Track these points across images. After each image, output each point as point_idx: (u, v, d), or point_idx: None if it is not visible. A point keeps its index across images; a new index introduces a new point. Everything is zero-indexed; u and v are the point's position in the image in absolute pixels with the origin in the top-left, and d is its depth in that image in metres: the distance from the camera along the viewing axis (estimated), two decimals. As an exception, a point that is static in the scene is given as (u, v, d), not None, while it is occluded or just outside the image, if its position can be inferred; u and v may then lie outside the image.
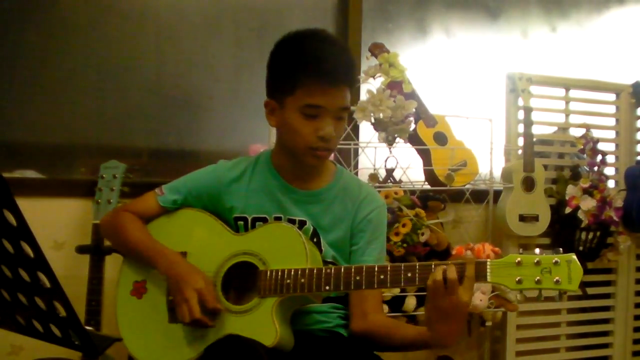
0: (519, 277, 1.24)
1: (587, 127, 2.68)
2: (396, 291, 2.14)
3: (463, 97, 2.75)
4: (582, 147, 2.64)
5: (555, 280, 1.23)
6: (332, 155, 2.29)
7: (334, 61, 1.42)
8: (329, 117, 1.43)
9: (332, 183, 1.57)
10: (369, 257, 1.52)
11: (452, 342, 1.31)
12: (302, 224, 1.51)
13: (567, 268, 1.23)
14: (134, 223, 1.55)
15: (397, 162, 2.30)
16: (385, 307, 2.09)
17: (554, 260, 1.24)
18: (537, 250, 1.27)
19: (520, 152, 2.55)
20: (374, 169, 2.30)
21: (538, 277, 1.23)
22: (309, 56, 1.42)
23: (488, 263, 1.27)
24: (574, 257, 1.24)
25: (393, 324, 1.52)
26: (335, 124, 1.44)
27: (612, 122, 2.85)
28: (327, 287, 1.36)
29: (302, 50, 1.44)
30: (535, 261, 1.24)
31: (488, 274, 1.27)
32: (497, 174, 2.55)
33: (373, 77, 2.26)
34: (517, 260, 1.25)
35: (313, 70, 1.40)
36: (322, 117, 1.42)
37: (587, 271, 2.63)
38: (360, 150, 2.36)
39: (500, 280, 1.26)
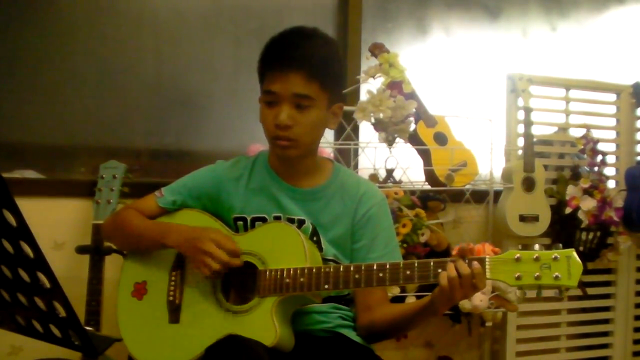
0: (518, 273, 1.24)
1: (588, 127, 2.68)
2: (396, 291, 2.14)
3: (463, 97, 2.75)
4: (582, 147, 2.64)
5: (554, 275, 1.22)
6: (332, 154, 2.31)
7: (289, 48, 1.44)
8: (285, 104, 1.43)
9: (330, 180, 1.57)
10: (374, 254, 1.51)
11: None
12: (301, 223, 1.51)
13: (567, 263, 1.23)
14: (137, 215, 1.57)
15: (397, 162, 2.30)
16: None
17: (553, 256, 1.23)
18: (536, 247, 1.26)
19: (520, 152, 2.54)
20: (374, 169, 2.31)
21: (537, 273, 1.23)
22: (271, 45, 1.47)
23: (487, 259, 1.27)
24: (574, 252, 1.23)
25: (396, 310, 1.52)
26: (295, 112, 1.44)
27: (612, 122, 2.84)
28: (327, 286, 1.36)
29: (270, 42, 1.48)
30: (535, 257, 1.24)
31: (487, 270, 1.27)
32: (497, 174, 2.55)
33: (373, 77, 2.26)
34: (516, 257, 1.25)
35: (269, 57, 1.46)
36: (278, 105, 1.44)
37: (587, 271, 2.63)
38: (360, 150, 2.36)
39: (499, 277, 1.26)
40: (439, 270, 1.29)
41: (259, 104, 1.51)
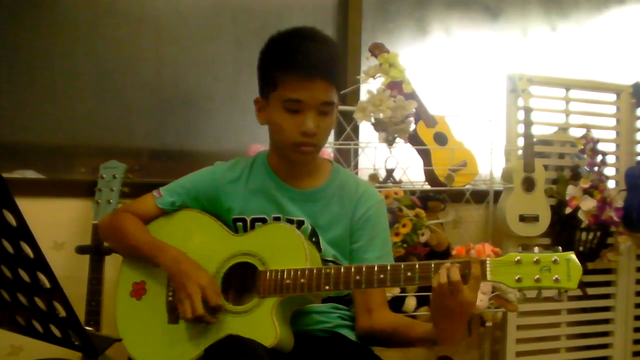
0: (518, 276, 1.25)
1: (588, 127, 2.68)
2: (396, 291, 2.14)
3: (463, 97, 2.75)
4: (582, 147, 2.64)
5: (554, 278, 1.23)
6: (332, 154, 2.31)
7: (310, 54, 1.42)
8: (311, 111, 1.43)
9: (329, 181, 1.57)
10: (371, 255, 1.51)
11: (457, 339, 1.31)
12: (300, 223, 1.52)
13: (567, 266, 1.23)
14: (134, 222, 1.56)
15: (397, 162, 2.30)
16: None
17: (553, 259, 1.24)
18: (535, 249, 1.27)
19: (520, 152, 2.55)
20: (374, 169, 2.31)
21: (537, 276, 1.24)
22: (287, 50, 1.44)
23: (488, 262, 1.27)
24: (573, 255, 1.24)
25: (399, 322, 1.51)
26: (318, 119, 1.44)
27: (612, 122, 2.85)
28: (327, 287, 1.36)
29: (281, 45, 1.46)
30: (535, 260, 1.25)
31: (488, 272, 1.27)
32: (497, 174, 2.55)
33: (373, 77, 2.26)
34: (516, 259, 1.26)
35: (289, 64, 1.42)
36: (303, 112, 1.43)
37: (587, 271, 2.63)
38: (360, 150, 2.36)
39: (500, 279, 1.26)
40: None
41: (254, 105, 1.52)
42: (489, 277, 1.27)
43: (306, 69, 1.41)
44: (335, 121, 1.52)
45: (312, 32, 1.48)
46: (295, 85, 1.42)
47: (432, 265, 1.30)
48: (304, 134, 1.43)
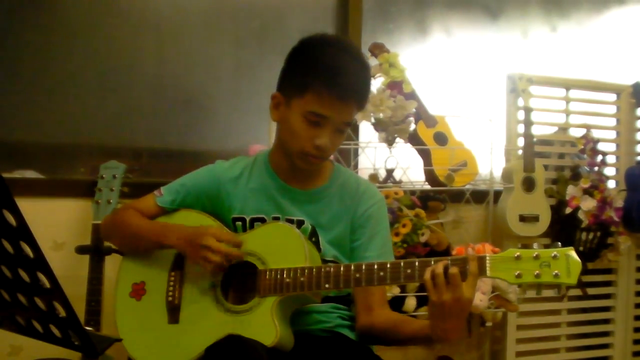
0: (518, 272, 1.25)
1: (588, 127, 2.68)
2: (396, 291, 2.14)
3: (463, 97, 2.75)
4: (582, 147, 2.64)
5: (554, 273, 1.23)
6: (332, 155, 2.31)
7: (352, 76, 1.42)
8: (330, 128, 1.43)
9: (330, 181, 1.57)
10: (371, 253, 1.52)
11: (455, 338, 1.30)
12: (300, 223, 1.52)
13: (566, 262, 1.23)
14: (136, 215, 1.56)
15: (397, 162, 2.30)
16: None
17: (552, 254, 1.24)
18: (535, 245, 1.27)
19: (520, 152, 2.55)
20: (374, 169, 2.31)
21: (537, 271, 1.24)
22: (329, 65, 1.41)
23: (487, 258, 1.27)
24: (572, 251, 1.24)
25: (398, 318, 1.52)
26: (334, 136, 1.45)
27: (612, 122, 2.85)
28: (327, 285, 1.36)
29: (323, 57, 1.43)
30: (534, 255, 1.25)
31: (487, 268, 1.27)
32: (497, 174, 2.55)
33: (373, 77, 2.26)
34: (516, 255, 1.26)
35: (328, 80, 1.40)
36: (323, 127, 1.43)
37: (587, 271, 2.63)
38: (360, 150, 2.36)
39: (499, 275, 1.26)
40: None
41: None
42: (488, 273, 1.27)
43: (344, 91, 1.40)
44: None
45: (355, 50, 1.48)
46: (327, 102, 1.40)
47: (432, 262, 1.30)
48: (317, 147, 1.43)
